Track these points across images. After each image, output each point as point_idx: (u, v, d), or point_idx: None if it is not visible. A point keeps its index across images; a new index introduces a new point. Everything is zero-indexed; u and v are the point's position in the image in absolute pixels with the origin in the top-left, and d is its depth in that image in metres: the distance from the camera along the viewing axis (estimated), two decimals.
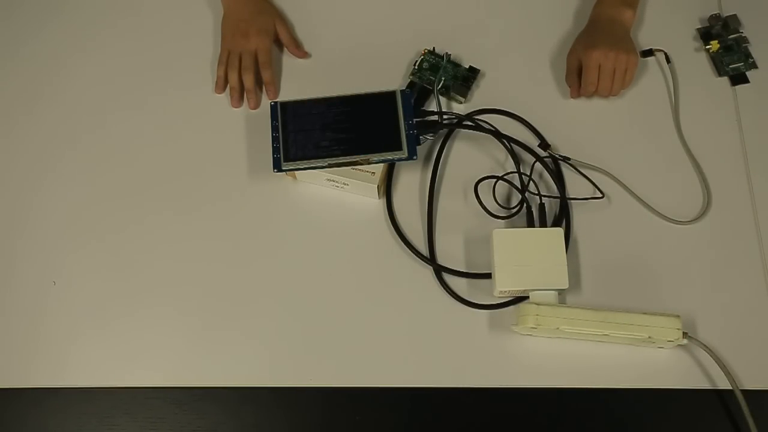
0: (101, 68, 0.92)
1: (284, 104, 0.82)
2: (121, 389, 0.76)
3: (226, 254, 0.81)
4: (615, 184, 0.83)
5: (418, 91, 0.88)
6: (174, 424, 0.74)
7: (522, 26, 0.92)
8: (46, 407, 0.76)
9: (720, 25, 0.89)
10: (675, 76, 0.88)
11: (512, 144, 0.84)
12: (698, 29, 0.91)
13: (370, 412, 0.74)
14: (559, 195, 0.82)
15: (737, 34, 0.89)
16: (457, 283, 0.79)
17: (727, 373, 0.72)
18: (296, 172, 0.81)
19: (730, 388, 0.71)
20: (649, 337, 0.70)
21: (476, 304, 0.77)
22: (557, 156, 0.84)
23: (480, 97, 0.88)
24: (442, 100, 0.88)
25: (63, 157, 0.87)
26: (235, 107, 0.89)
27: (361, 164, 0.79)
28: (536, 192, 0.81)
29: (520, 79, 0.89)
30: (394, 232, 0.81)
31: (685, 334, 0.71)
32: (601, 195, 0.83)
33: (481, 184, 0.81)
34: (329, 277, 0.80)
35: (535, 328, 0.72)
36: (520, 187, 0.81)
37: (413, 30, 0.92)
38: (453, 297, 0.78)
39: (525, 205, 0.80)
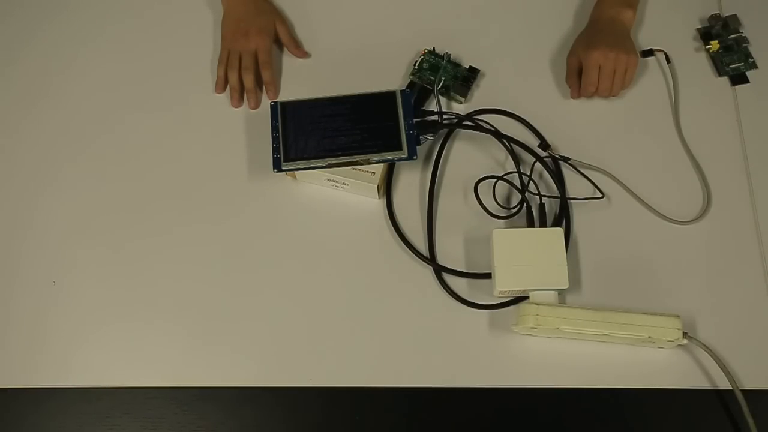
0: (101, 69, 0.92)
1: (284, 104, 0.82)
2: (121, 389, 0.76)
3: (226, 254, 0.81)
4: (615, 184, 0.83)
5: (418, 91, 0.88)
6: (174, 424, 0.74)
7: (522, 26, 0.92)
8: (47, 407, 0.76)
9: (720, 25, 0.89)
10: (675, 76, 0.88)
11: (512, 144, 0.84)
12: (698, 29, 0.91)
13: (369, 412, 0.74)
14: (559, 195, 0.82)
15: (737, 34, 0.89)
16: (457, 283, 0.79)
17: (727, 373, 0.72)
18: (296, 172, 0.81)
19: (730, 388, 0.71)
20: (649, 337, 0.70)
21: (476, 304, 0.78)
22: (557, 156, 0.84)
23: (480, 97, 0.88)
24: (442, 100, 0.88)
25: (63, 157, 0.87)
26: (235, 107, 0.89)
27: (361, 164, 0.79)
28: (536, 192, 0.81)
29: (520, 79, 0.89)
30: (394, 232, 0.81)
31: (685, 334, 0.71)
32: (601, 195, 0.83)
33: (481, 184, 0.81)
34: (329, 277, 0.80)
35: (535, 328, 0.72)
36: (520, 187, 0.81)
37: (413, 30, 0.92)
38: (453, 297, 0.78)
39: (525, 205, 0.80)
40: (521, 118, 0.86)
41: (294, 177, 0.84)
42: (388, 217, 0.82)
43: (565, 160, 0.83)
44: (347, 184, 0.81)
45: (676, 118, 0.86)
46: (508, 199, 0.83)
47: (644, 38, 0.91)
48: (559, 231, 0.76)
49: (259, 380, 0.76)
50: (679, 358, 0.75)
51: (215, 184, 0.85)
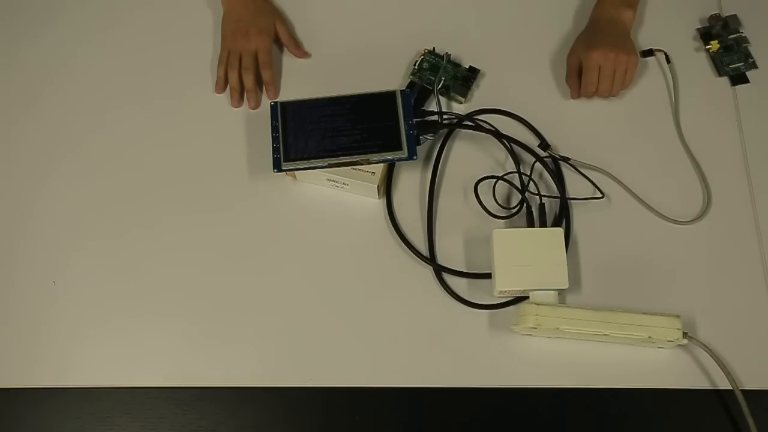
0: (101, 68, 0.92)
1: (284, 104, 0.82)
2: (121, 389, 0.76)
3: (226, 254, 0.81)
4: (615, 184, 0.83)
5: (418, 91, 0.88)
6: (174, 424, 0.74)
7: (522, 26, 0.92)
8: (47, 407, 0.76)
9: (720, 25, 0.89)
10: (675, 76, 0.88)
11: (512, 144, 0.84)
12: (698, 29, 0.91)
13: (369, 412, 0.74)
14: (559, 195, 0.82)
15: (737, 34, 0.89)
16: (457, 283, 0.79)
17: (727, 373, 0.72)
18: (296, 172, 0.81)
19: (730, 388, 0.71)
20: (649, 337, 0.70)
21: (476, 304, 0.78)
22: (557, 156, 0.84)
23: (480, 97, 0.88)
24: (442, 100, 0.88)
25: (63, 157, 0.87)
26: (235, 107, 0.89)
27: (361, 164, 0.79)
28: (536, 192, 0.81)
29: (520, 79, 0.89)
30: (394, 232, 0.81)
31: (685, 334, 0.71)
32: (601, 195, 0.83)
33: (481, 184, 0.81)
34: (329, 277, 0.80)
35: (535, 328, 0.72)
36: (520, 187, 0.81)
37: (413, 30, 0.92)
38: (453, 297, 0.78)
39: (525, 205, 0.80)
40: (521, 118, 0.86)
41: (294, 177, 0.84)
42: (388, 217, 0.82)
43: (565, 160, 0.83)
44: (347, 184, 0.81)
45: (676, 118, 0.86)
46: (508, 199, 0.83)
47: (644, 38, 0.91)
48: (559, 231, 0.76)
49: (259, 380, 0.76)
50: (679, 358, 0.75)
51: (215, 184, 0.85)
